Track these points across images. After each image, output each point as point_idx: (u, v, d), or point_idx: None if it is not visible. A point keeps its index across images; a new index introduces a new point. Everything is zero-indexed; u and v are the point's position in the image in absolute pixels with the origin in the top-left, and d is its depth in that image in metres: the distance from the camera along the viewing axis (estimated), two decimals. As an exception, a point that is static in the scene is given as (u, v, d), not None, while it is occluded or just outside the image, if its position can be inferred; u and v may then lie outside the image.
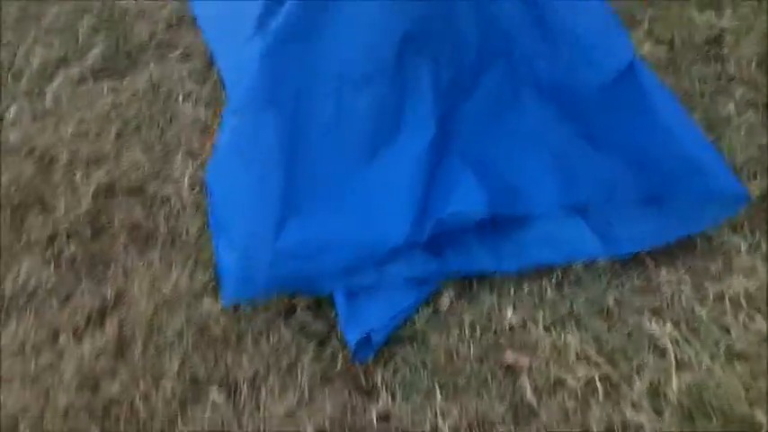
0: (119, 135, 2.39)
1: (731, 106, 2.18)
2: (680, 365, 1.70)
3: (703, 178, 1.79)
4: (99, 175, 2.26)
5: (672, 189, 1.82)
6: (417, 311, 1.83)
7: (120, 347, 1.87)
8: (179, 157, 2.29)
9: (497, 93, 1.87)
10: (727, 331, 1.74)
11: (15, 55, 2.73)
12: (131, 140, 2.36)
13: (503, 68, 1.86)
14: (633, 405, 1.65)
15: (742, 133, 2.11)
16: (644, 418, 1.62)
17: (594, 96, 1.80)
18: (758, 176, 2.01)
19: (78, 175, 2.27)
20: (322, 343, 1.84)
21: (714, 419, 1.61)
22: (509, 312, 1.82)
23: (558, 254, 1.90)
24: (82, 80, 2.61)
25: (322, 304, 1.88)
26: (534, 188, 1.87)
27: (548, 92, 1.85)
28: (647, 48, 2.42)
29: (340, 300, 1.82)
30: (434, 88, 1.80)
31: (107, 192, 2.23)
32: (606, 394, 1.67)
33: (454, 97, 1.84)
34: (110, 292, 1.97)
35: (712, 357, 1.69)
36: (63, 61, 2.69)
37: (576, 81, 1.81)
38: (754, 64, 2.31)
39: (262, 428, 1.70)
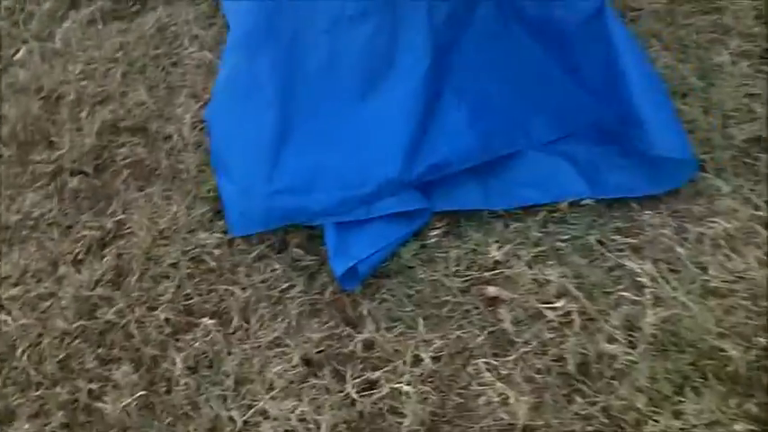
0: (124, 75, 2.45)
1: (725, 56, 2.20)
2: (656, 301, 1.74)
3: (644, 133, 1.86)
4: (104, 114, 2.32)
5: (624, 135, 1.89)
6: (405, 246, 1.87)
7: (118, 276, 1.94)
8: (182, 97, 2.35)
9: (492, 26, 1.91)
10: (704, 270, 1.78)
11: (26, -1, 2.78)
12: (136, 81, 2.42)
13: (494, 1, 1.89)
14: (608, 337, 1.69)
15: (734, 81, 2.12)
16: (618, 349, 1.67)
17: (572, 32, 1.83)
18: (744, 123, 2.02)
19: (84, 114, 2.33)
20: (312, 276, 1.89)
21: (686, 352, 1.65)
22: (494, 248, 1.86)
23: (546, 194, 1.94)
24: (91, 22, 2.66)
25: (314, 240, 1.93)
26: (525, 124, 1.91)
27: (534, 26, 1.89)
28: (645, -3, 2.42)
29: (329, 233, 1.86)
30: (430, 21, 1.85)
31: (111, 129, 2.30)
32: (583, 326, 1.72)
33: (451, 30, 1.88)
34: (110, 224, 2.04)
35: (688, 294, 1.73)
36: (73, 4, 2.73)
37: (555, 17, 1.84)
38: (751, 16, 2.31)
39: (251, 355, 1.75)
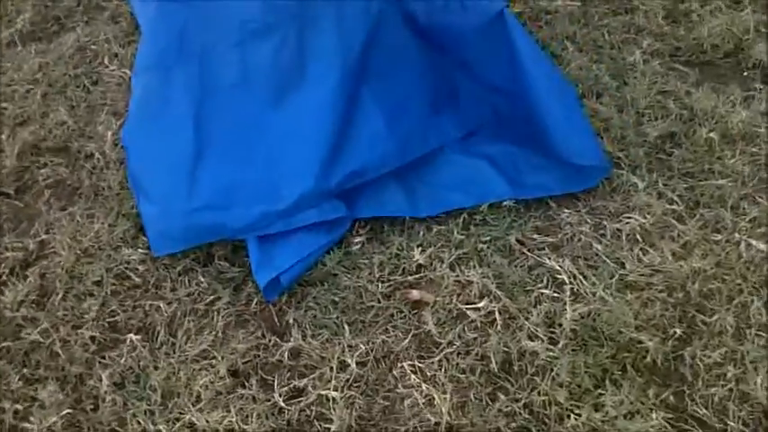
0: (45, 96, 2.43)
1: (637, 55, 2.26)
2: (575, 297, 1.78)
3: (553, 139, 1.90)
4: (24, 135, 2.29)
5: (537, 137, 1.93)
6: (329, 254, 1.89)
7: (42, 296, 1.92)
8: (103, 115, 2.35)
9: (393, 32, 1.94)
10: (622, 265, 1.82)
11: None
12: (57, 101, 2.40)
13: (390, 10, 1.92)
14: (529, 334, 1.72)
15: (646, 80, 2.18)
16: (539, 346, 1.70)
17: (470, 37, 1.87)
18: (657, 119, 2.08)
19: (4, 136, 2.30)
20: (237, 288, 1.90)
21: (605, 345, 1.69)
22: (416, 252, 1.89)
23: (470, 197, 1.98)
24: (10, 44, 2.64)
25: (239, 252, 1.94)
26: (436, 124, 1.95)
27: (429, 33, 1.93)
28: (561, 1, 2.48)
29: (252, 246, 1.87)
30: (339, 29, 1.86)
31: (32, 150, 2.27)
32: (504, 325, 1.75)
33: (359, 36, 1.89)
34: (33, 245, 2.02)
35: (606, 289, 1.77)
36: (-8, 27, 2.71)
37: (449, 23, 1.89)
38: (661, 16, 2.38)
39: (177, 369, 1.75)
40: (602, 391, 1.63)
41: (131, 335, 1.82)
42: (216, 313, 1.84)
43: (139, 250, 1.96)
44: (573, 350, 1.70)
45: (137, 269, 1.93)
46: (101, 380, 1.76)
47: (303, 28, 1.85)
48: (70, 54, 2.54)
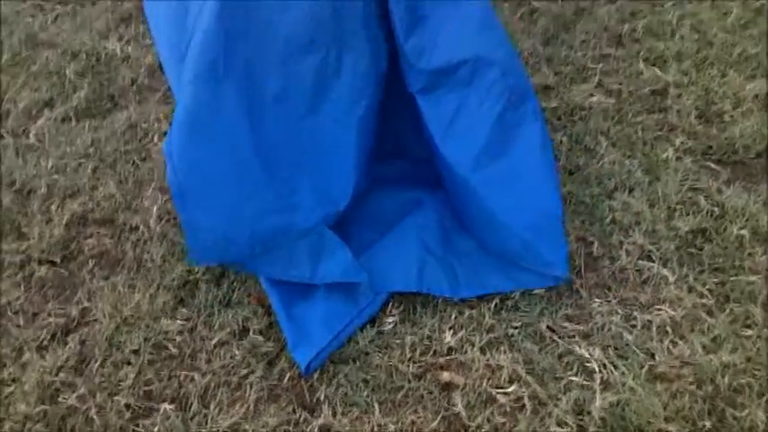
0: (95, 170, 2.53)
1: (670, 152, 2.31)
2: (605, 386, 1.79)
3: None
4: (73, 206, 2.38)
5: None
6: (362, 332, 1.92)
7: (81, 363, 1.96)
8: (150, 190, 2.43)
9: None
10: (652, 356, 1.84)
11: (3, 98, 2.87)
12: (106, 175, 2.49)
13: None
14: (558, 421, 1.74)
15: (678, 176, 2.23)
16: (567, 432, 1.71)
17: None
18: (688, 215, 2.12)
19: (54, 206, 2.39)
20: (271, 363, 1.93)
21: (633, 435, 1.69)
22: (448, 335, 1.92)
23: (511, 282, 2.04)
24: (65, 120, 2.75)
25: (273, 327, 1.98)
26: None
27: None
28: (596, 98, 2.55)
29: (285, 324, 1.94)
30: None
31: (80, 221, 2.35)
32: (534, 410, 1.76)
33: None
34: (74, 312, 2.08)
35: (635, 379, 1.78)
36: (48, 103, 2.83)
37: None
38: (693, 115, 2.45)
39: (209, 440, 1.78)
40: (632, 481, 1.61)
41: (165, 404, 1.86)
42: (249, 386, 1.88)
43: (177, 321, 2.01)
44: (602, 439, 1.69)
45: (174, 340, 1.98)
46: (134, 449, 1.77)
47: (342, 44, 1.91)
48: (122, 131, 2.64)
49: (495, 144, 1.97)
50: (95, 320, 2.05)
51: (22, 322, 2.06)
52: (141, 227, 2.28)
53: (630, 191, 2.21)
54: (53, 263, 2.23)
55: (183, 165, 1.84)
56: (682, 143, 2.35)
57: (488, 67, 1.93)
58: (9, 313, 2.09)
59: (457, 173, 1.98)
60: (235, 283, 2.07)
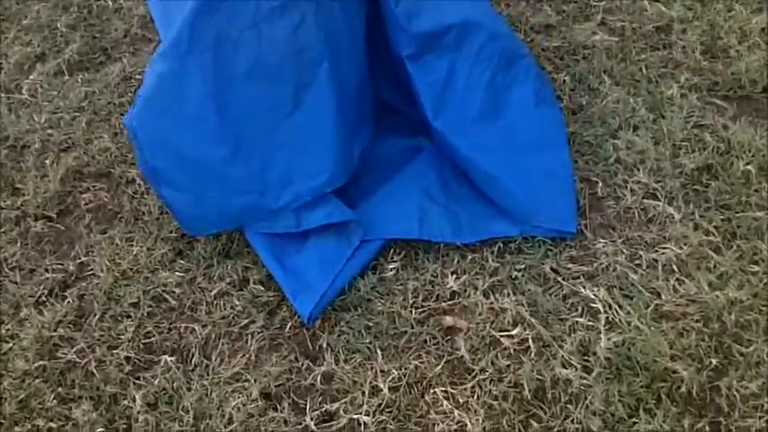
0: (89, 123, 2.49)
1: (675, 89, 2.26)
2: (610, 326, 1.77)
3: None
4: (68, 161, 2.34)
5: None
6: (363, 279, 1.90)
7: (80, 317, 1.95)
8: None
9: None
10: (658, 294, 1.81)
11: (-6, 52, 2.84)
12: (101, 128, 2.45)
13: None
14: (563, 362, 1.71)
15: (683, 113, 2.18)
16: (572, 374, 1.69)
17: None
18: (694, 152, 2.07)
19: (48, 161, 2.36)
20: (271, 312, 1.92)
21: (639, 374, 1.67)
22: (451, 279, 1.89)
23: (514, 226, 2.00)
24: (57, 73, 2.71)
25: (273, 278, 1.94)
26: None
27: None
28: (599, 36, 2.49)
29: (280, 276, 1.92)
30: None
31: (75, 175, 2.32)
32: (538, 352, 1.74)
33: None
34: (72, 267, 2.06)
35: (641, 318, 1.76)
36: (40, 57, 2.78)
37: None
38: (698, 51, 2.38)
39: (210, 391, 1.76)
40: (636, 420, 1.61)
41: (166, 356, 1.84)
42: (250, 336, 1.86)
43: (176, 273, 1.98)
44: (607, 379, 1.68)
45: (173, 292, 1.95)
46: (134, 400, 1.78)
47: (318, 10, 1.82)
48: (116, 83, 2.60)
49: (488, 109, 2.00)
50: (93, 275, 2.03)
51: (19, 278, 2.04)
52: (137, 179, 2.25)
53: (635, 129, 2.16)
54: (49, 218, 2.21)
55: (149, 143, 1.83)
56: (686, 79, 2.30)
57: (476, 31, 1.95)
58: (6, 270, 2.08)
59: (452, 143, 1.98)
60: (234, 234, 2.03)
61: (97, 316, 1.92)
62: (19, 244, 2.12)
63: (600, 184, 2.05)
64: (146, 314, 1.92)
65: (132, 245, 2.07)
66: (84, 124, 2.47)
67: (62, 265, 2.06)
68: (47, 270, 2.05)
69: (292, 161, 1.86)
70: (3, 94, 2.62)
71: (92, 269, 2.04)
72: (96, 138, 2.41)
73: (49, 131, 2.45)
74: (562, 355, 1.73)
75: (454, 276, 1.90)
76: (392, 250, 1.96)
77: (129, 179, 2.26)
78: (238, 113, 1.81)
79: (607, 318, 1.78)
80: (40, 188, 2.26)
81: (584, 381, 1.68)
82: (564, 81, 2.34)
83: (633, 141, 2.12)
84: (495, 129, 1.97)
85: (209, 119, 1.79)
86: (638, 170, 2.07)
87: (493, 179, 1.94)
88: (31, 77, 2.70)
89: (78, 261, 2.06)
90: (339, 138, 1.89)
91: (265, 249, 1.94)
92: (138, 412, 1.75)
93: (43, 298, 1.98)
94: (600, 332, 1.75)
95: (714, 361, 1.68)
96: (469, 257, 1.93)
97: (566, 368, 1.71)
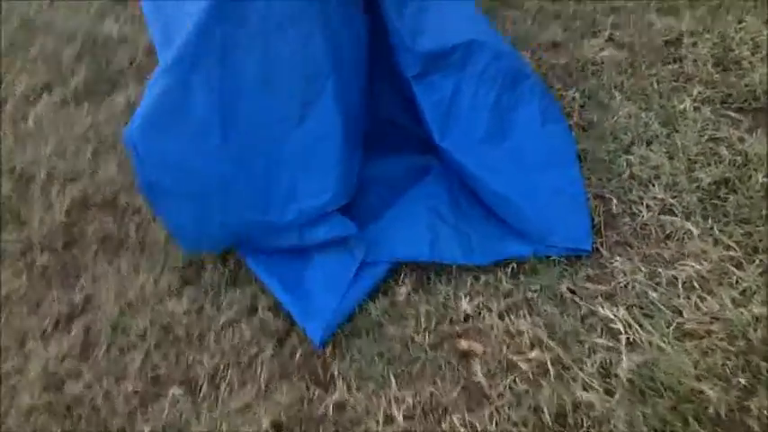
0: (95, 153, 2.45)
1: (687, 102, 2.21)
2: (631, 347, 1.71)
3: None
4: (73, 191, 2.31)
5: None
6: (374, 302, 1.85)
7: (85, 350, 1.90)
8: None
9: None
10: (679, 312, 1.75)
11: (0, 85, 2.81)
12: (107, 157, 2.42)
13: None
14: (584, 385, 1.66)
15: (697, 127, 2.13)
16: (594, 397, 1.63)
17: None
18: (710, 165, 2.02)
19: (54, 192, 2.32)
20: (281, 341, 1.87)
21: (664, 396, 1.61)
22: (464, 302, 1.84)
23: (526, 246, 1.94)
24: (63, 103, 2.68)
25: (281, 305, 1.90)
26: None
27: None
28: (607, 52, 2.45)
29: (291, 307, 1.88)
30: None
31: (81, 206, 2.28)
32: (557, 375, 1.69)
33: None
34: (78, 298, 2.02)
35: (663, 337, 1.70)
36: (46, 87, 2.76)
37: None
38: (710, 63, 2.34)
39: (219, 423, 1.71)
40: (663, 445, 1.53)
41: (174, 388, 1.80)
42: (259, 365, 1.82)
43: (183, 302, 1.95)
44: (630, 401, 1.62)
45: (180, 321, 1.92)
46: (142, 435, 1.71)
47: (327, 24, 1.78)
48: (121, 110, 2.57)
49: (494, 130, 1.98)
50: (99, 306, 1.99)
51: (25, 311, 2.00)
52: (143, 208, 2.22)
53: (648, 144, 2.11)
54: (55, 249, 2.17)
55: (149, 157, 1.76)
56: (699, 93, 2.24)
57: (480, 51, 1.95)
58: (11, 303, 2.02)
59: (460, 161, 1.95)
60: (241, 261, 1.98)
61: (103, 348, 1.89)
62: (24, 277, 2.09)
63: (614, 201, 2.00)
64: (153, 345, 1.88)
65: (138, 274, 2.03)
66: (90, 154, 2.44)
67: (68, 296, 2.02)
68: (53, 302, 2.01)
69: (297, 178, 1.82)
70: (9, 126, 2.60)
71: (98, 300, 2.00)
72: (102, 167, 2.39)
73: (54, 162, 2.42)
74: (583, 378, 1.67)
75: (467, 299, 1.84)
76: (403, 273, 1.91)
77: (136, 208, 2.23)
78: (244, 127, 1.76)
79: (628, 338, 1.72)
80: (46, 219, 2.23)
81: (607, 404, 1.62)
82: (573, 98, 2.30)
83: (647, 156, 2.07)
84: (502, 150, 1.95)
85: (213, 133, 1.74)
86: (654, 185, 2.02)
87: (503, 199, 1.90)
88: (38, 108, 2.67)
89: (84, 293, 2.03)
90: (343, 155, 1.85)
91: (269, 275, 1.90)
92: (147, 448, 1.69)
93: (49, 331, 1.95)
94: (621, 353, 1.69)
95: (742, 380, 1.61)
96: (483, 279, 1.88)
97: (587, 391, 1.65)
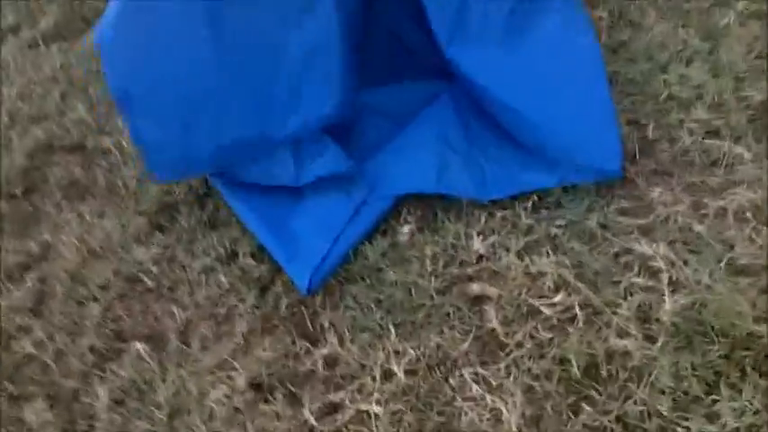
0: (64, 95, 2.21)
1: (731, 17, 1.92)
2: (675, 287, 1.44)
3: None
4: (37, 133, 2.07)
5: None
6: (372, 244, 1.59)
7: (39, 303, 1.66)
8: (124, 110, 2.08)
9: None
10: (731, 247, 1.48)
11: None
12: (76, 99, 2.18)
13: None
14: (619, 332, 1.40)
15: (743, 42, 1.84)
16: (632, 344, 1.37)
17: None
18: (760, 82, 1.74)
19: (15, 134, 2.08)
20: (264, 289, 1.63)
21: (716, 342, 1.35)
22: (477, 241, 1.58)
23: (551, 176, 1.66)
24: (32, 45, 2.44)
25: (265, 248, 1.64)
26: None
27: None
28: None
29: (274, 246, 1.63)
30: None
31: (45, 149, 2.06)
32: (587, 321, 1.43)
33: None
34: (35, 247, 1.78)
35: (712, 275, 1.42)
36: (13, 29, 2.52)
37: None
38: (757, -24, 2.04)
39: (188, 382, 1.46)
40: (717, 398, 1.29)
41: (137, 344, 1.56)
42: (238, 318, 1.59)
43: (153, 249, 1.71)
44: (675, 349, 1.36)
45: (149, 270, 1.68)
46: (98, 397, 1.51)
47: None
48: (94, 51, 2.30)
49: (510, 38, 1.66)
50: (59, 255, 1.73)
51: (-27, 263, 1.75)
52: (114, 149, 1.98)
53: (688, 62, 1.85)
54: (13, 195, 1.93)
55: (123, 64, 1.53)
56: (745, 7, 1.95)
57: None
58: (-41, 255, 1.78)
59: (470, 75, 1.66)
60: (221, 201, 1.73)
61: (59, 300, 1.64)
62: (-24, 226, 1.83)
63: (651, 126, 1.74)
64: (116, 297, 1.64)
65: (104, 220, 1.78)
66: (58, 96, 2.19)
67: (23, 246, 1.76)
68: (6, 252, 1.77)
69: (299, 85, 1.57)
70: (-29, 69, 2.34)
71: (57, 250, 1.74)
72: (70, 109, 2.15)
73: (19, 104, 2.18)
74: (617, 323, 1.41)
75: (480, 237, 1.59)
76: (405, 210, 1.67)
77: (104, 150, 2.00)
78: (236, 31, 1.50)
79: (670, 277, 1.46)
80: (4, 163, 1.97)
81: (648, 352, 1.36)
82: (601, 18, 2.04)
83: (687, 75, 1.80)
84: (518, 59, 1.64)
85: (200, 36, 1.49)
86: (696, 107, 1.75)
87: (518, 115, 1.62)
88: (3, 50, 2.41)
89: (42, 241, 1.78)
90: (344, 61, 1.59)
91: (253, 214, 1.64)
92: (102, 410, 1.47)
93: (-1, 284, 1.68)
94: (663, 294, 1.43)
95: (809, 321, 1.33)
96: (499, 215, 1.62)
97: (622, 338, 1.39)
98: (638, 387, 1.33)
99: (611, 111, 1.61)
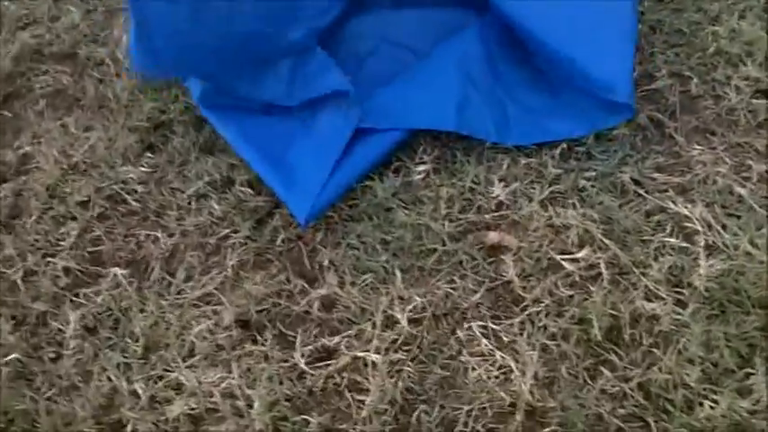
0: (58, -3, 2.05)
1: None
2: (711, 251, 1.32)
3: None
4: (25, 38, 1.91)
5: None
6: (382, 181, 1.45)
7: (12, 217, 1.52)
8: (122, 20, 1.93)
9: None
10: (776, 215, 1.33)
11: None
12: (71, 2, 2.02)
13: None
14: (647, 294, 1.28)
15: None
16: (660, 308, 1.24)
17: None
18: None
19: (1, 39, 1.92)
20: (260, 222, 1.50)
21: (752, 312, 1.23)
22: (497, 187, 1.45)
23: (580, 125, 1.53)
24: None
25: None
26: None
27: None
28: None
29: (271, 175, 1.49)
30: None
31: (33, 54, 1.91)
32: (613, 281, 1.30)
33: None
34: (12, 158, 1.63)
35: (753, 241, 1.31)
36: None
37: None
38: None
39: (169, 314, 1.33)
40: (751, 371, 1.18)
41: (116, 269, 1.42)
42: (229, 250, 1.45)
43: (141, 169, 1.56)
44: (708, 317, 1.24)
45: (135, 191, 1.53)
46: (68, 322, 1.38)
47: None
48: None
49: None
50: (37, 167, 1.58)
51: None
52: (107, 60, 1.82)
53: (741, 16, 1.70)
54: (-7, 102, 1.76)
55: None
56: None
57: None
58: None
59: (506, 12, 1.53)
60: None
61: (33, 217, 1.48)
62: (-50, 131, 1.68)
63: (694, 80, 1.59)
64: (96, 216, 1.49)
65: (90, 134, 1.62)
66: (52, -1, 2.01)
67: (0, 156, 1.60)
68: (-20, 162, 1.60)
69: None
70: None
71: (36, 161, 1.59)
72: (64, 14, 1.97)
73: (6, 3, 1.99)
74: (646, 285, 1.29)
75: (502, 184, 1.46)
76: (421, 148, 1.52)
77: (97, 61, 1.84)
78: None
79: (707, 240, 1.33)
80: (-13, 68, 1.81)
81: (678, 318, 1.24)
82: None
83: (739, 29, 1.66)
84: None
85: None
86: (746, 64, 1.60)
87: (544, 45, 1.50)
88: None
89: (21, 151, 1.63)
90: None
91: (247, 144, 1.50)
92: (71, 337, 1.32)
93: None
94: (698, 257, 1.31)
95: None
96: (523, 162, 1.48)
97: (651, 301, 1.27)
98: (664, 354, 1.21)
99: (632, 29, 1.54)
